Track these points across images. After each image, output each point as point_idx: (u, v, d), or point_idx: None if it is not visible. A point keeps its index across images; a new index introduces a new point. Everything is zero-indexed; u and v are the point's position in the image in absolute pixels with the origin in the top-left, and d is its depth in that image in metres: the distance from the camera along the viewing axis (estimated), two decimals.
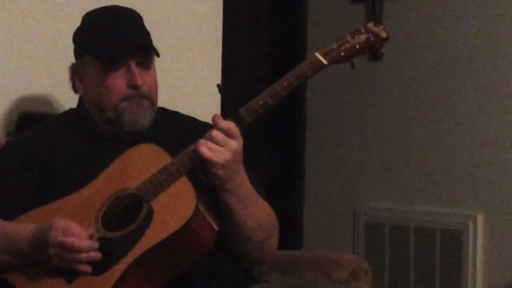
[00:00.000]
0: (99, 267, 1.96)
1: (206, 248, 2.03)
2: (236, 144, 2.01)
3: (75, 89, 2.20)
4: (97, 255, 1.95)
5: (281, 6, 4.51)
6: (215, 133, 2.00)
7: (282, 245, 2.24)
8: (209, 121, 2.07)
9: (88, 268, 1.95)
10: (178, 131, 2.21)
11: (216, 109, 2.70)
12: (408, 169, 3.98)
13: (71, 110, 2.28)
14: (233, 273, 2.17)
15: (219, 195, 2.07)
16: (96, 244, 1.96)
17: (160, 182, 2.01)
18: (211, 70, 2.93)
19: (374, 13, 4.00)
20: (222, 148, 2.00)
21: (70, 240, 1.92)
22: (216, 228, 2.04)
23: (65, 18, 2.50)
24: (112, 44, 2.11)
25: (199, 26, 2.91)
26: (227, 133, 2.00)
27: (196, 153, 2.01)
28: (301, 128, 4.41)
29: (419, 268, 3.86)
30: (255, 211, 2.11)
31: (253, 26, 4.45)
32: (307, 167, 4.39)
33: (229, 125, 2.01)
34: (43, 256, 1.96)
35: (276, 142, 4.47)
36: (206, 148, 1.99)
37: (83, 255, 1.93)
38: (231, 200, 2.06)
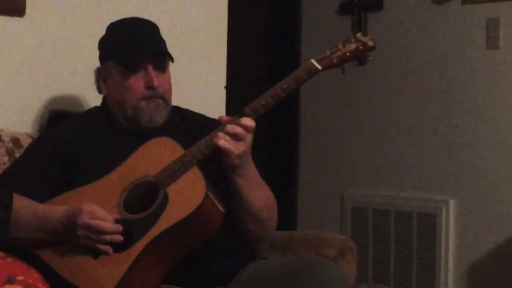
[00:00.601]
0: (121, 246, 2.01)
1: (214, 230, 2.07)
2: (251, 138, 2.06)
3: (99, 89, 2.28)
4: (119, 237, 2.00)
5: (279, 19, 4.60)
6: (238, 128, 2.04)
7: (278, 226, 2.31)
8: (216, 117, 2.14)
9: (110, 249, 2.01)
10: (189, 126, 2.26)
11: (222, 108, 2.81)
12: (389, 160, 4.06)
13: (95, 108, 2.35)
14: (236, 251, 2.19)
15: (231, 180, 2.12)
16: (120, 227, 2.00)
17: (174, 171, 2.05)
18: (217, 74, 2.93)
19: (360, 24, 4.04)
20: (241, 141, 2.04)
21: (97, 222, 1.98)
22: (223, 211, 2.08)
23: (91, 26, 2.57)
24: (133, 51, 2.19)
25: (207, 35, 2.92)
26: (246, 128, 2.04)
27: (213, 145, 2.04)
28: (296, 125, 4.46)
29: (398, 247, 3.93)
30: (261, 194, 2.18)
31: (254, 36, 4.49)
32: (301, 159, 4.46)
33: (251, 122, 2.05)
34: (72, 236, 2.02)
35: (275, 136, 4.50)
36: (225, 141, 2.03)
37: (108, 237, 2.00)
38: (242, 184, 2.12)
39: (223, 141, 2.04)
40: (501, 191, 3.59)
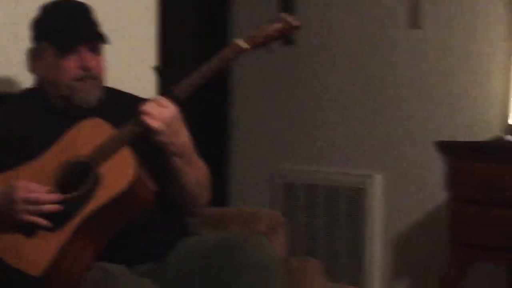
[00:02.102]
0: (55, 224, 2.00)
1: (146, 207, 2.08)
2: (167, 112, 2.07)
3: (32, 70, 2.24)
4: (57, 207, 2.00)
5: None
6: (149, 105, 2.06)
7: (211, 203, 2.33)
8: (148, 97, 2.16)
9: (47, 222, 1.99)
10: (120, 106, 2.24)
11: (153, 87, 2.82)
12: (317, 136, 4.07)
13: (29, 89, 2.32)
14: (168, 228, 2.20)
15: (166, 157, 2.13)
16: (56, 195, 2.01)
17: (106, 151, 2.05)
18: (148, 55, 2.92)
19: (287, 4, 4.00)
20: (157, 117, 2.05)
21: (33, 194, 1.99)
22: (154, 189, 2.08)
23: (22, 7, 2.49)
24: (67, 32, 2.17)
25: (137, 16, 2.89)
26: (159, 104, 2.06)
27: (137, 124, 2.06)
28: (227, 104, 4.47)
29: (327, 222, 3.96)
30: (196, 169, 2.19)
31: (185, 18, 4.50)
32: (232, 137, 4.46)
33: (158, 97, 2.10)
34: (10, 213, 2.01)
35: (206, 115, 4.50)
36: (145, 117, 2.05)
37: (46, 207, 1.99)
38: (177, 161, 2.14)
39: (143, 117, 2.06)
40: (423, 164, 3.64)
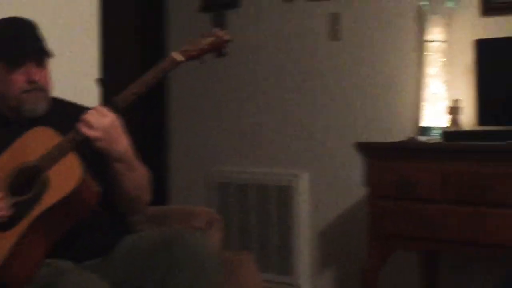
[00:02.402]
0: (7, 225, 1.98)
1: (91, 208, 2.07)
2: (106, 120, 2.05)
3: None
4: (8, 212, 1.99)
5: (146, 17, 4.56)
6: (88, 115, 2.05)
7: (153, 202, 2.32)
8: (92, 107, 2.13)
9: None
10: (66, 115, 2.20)
11: (95, 98, 2.73)
12: (248, 140, 4.07)
13: None
14: (113, 226, 2.19)
15: (108, 163, 2.11)
16: (5, 204, 1.99)
17: (53, 157, 2.03)
18: (90, 68, 2.88)
19: (219, 20, 4.05)
20: (94, 125, 2.04)
21: None
22: (98, 191, 2.07)
23: None
24: (15, 49, 2.16)
25: (80, 32, 2.85)
26: (99, 113, 2.05)
27: (79, 132, 2.05)
28: (166, 111, 4.43)
29: (259, 217, 3.95)
30: (137, 173, 2.17)
31: (126, 33, 4.48)
32: (171, 143, 4.43)
33: (99, 107, 2.07)
34: None
35: (147, 122, 4.47)
36: (83, 127, 2.04)
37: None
38: (118, 166, 2.12)
39: (82, 126, 2.05)
40: (345, 163, 3.64)
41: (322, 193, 3.79)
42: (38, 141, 2.10)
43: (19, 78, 2.15)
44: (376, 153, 3.17)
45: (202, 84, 4.24)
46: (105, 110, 2.07)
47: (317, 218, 3.81)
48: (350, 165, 3.56)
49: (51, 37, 2.28)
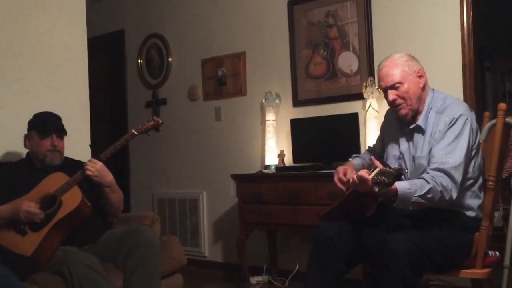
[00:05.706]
0: (39, 226, 1.96)
1: (86, 216, 2.05)
2: (98, 165, 2.05)
3: (25, 145, 2.19)
4: (41, 217, 1.97)
5: (116, 105, 4.20)
6: (88, 164, 2.04)
7: (123, 211, 2.28)
8: (84, 160, 2.14)
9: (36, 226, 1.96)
10: (72, 166, 2.18)
11: (89, 155, 2.65)
12: (173, 173, 3.88)
13: (22, 158, 2.24)
14: (100, 224, 2.17)
15: (101, 189, 2.09)
16: (42, 213, 1.96)
17: (64, 188, 2.03)
18: (84, 138, 2.73)
19: (155, 111, 3.88)
20: (92, 169, 2.04)
21: (31, 209, 1.95)
22: (90, 206, 2.05)
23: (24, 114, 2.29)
24: (45, 125, 2.14)
25: (76, 115, 2.66)
26: (93, 162, 2.04)
27: (83, 173, 2.04)
28: (128, 159, 4.21)
29: (180, 217, 3.77)
30: (118, 194, 2.16)
31: (103, 116, 4.23)
32: (131, 175, 4.21)
33: (92, 159, 2.06)
34: (15, 217, 1.94)
35: (118, 164, 4.16)
36: (87, 170, 2.04)
37: (37, 216, 1.97)
38: (107, 190, 2.11)
39: (86, 170, 2.05)
40: (226, 185, 3.48)
41: (215, 202, 3.73)
42: (55, 180, 2.07)
43: (46, 143, 2.12)
44: (242, 179, 3.12)
45: (147, 146, 4.09)
46: (96, 160, 2.06)
47: (212, 215, 3.74)
48: (229, 186, 3.39)
49: (64, 122, 2.22)
